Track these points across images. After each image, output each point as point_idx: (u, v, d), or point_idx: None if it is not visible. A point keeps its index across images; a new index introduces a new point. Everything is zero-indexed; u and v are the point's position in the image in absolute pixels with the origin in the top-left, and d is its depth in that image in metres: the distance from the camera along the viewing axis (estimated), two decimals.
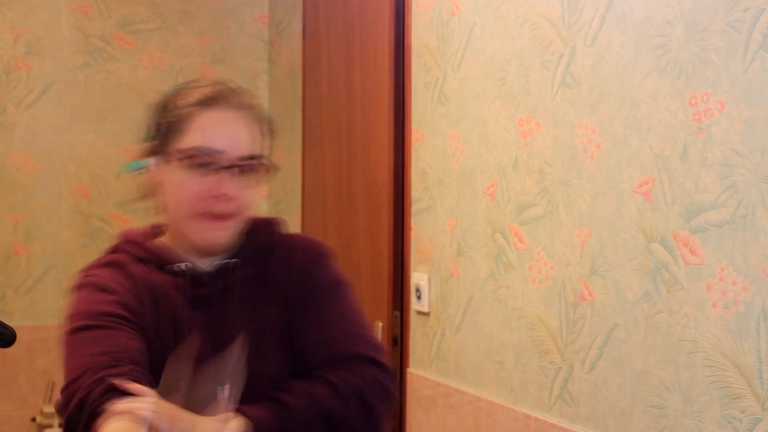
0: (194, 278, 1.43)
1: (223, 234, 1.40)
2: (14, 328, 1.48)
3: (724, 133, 1.53)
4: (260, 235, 1.49)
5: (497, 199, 2.18)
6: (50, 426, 3.36)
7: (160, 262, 1.43)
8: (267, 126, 1.48)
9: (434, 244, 2.46)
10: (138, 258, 1.45)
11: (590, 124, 1.86)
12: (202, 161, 1.37)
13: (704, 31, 1.58)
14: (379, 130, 2.75)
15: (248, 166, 1.40)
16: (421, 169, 2.54)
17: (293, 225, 3.56)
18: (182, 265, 1.43)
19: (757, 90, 1.47)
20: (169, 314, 1.40)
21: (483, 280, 2.22)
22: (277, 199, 3.74)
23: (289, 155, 3.61)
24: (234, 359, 1.23)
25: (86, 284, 1.43)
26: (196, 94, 1.42)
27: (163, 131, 1.43)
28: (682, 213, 1.62)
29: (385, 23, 2.71)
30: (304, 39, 3.47)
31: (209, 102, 1.41)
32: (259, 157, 1.42)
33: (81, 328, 1.37)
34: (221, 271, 1.44)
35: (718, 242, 1.54)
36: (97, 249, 3.62)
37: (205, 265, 1.45)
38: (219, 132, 1.40)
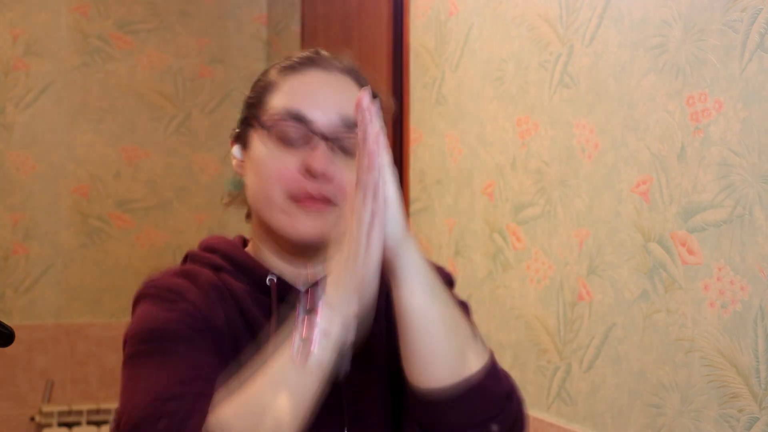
0: (282, 295, 1.14)
1: (317, 224, 1.10)
2: (13, 328, 1.48)
3: (721, 133, 1.54)
4: None
5: (495, 199, 2.18)
6: (49, 425, 3.37)
7: (242, 271, 1.16)
8: (365, 83, 1.18)
9: (432, 244, 2.46)
10: (214, 267, 1.17)
11: (588, 124, 1.87)
12: (289, 130, 1.10)
13: (702, 32, 1.58)
14: None
15: (348, 139, 1.10)
16: (419, 169, 2.54)
17: None
18: (268, 279, 1.14)
19: (754, 90, 1.47)
20: (252, 327, 1.13)
21: (481, 280, 2.23)
22: None
23: None
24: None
25: (146, 296, 1.13)
26: (284, 62, 1.18)
27: (245, 112, 1.18)
28: (679, 213, 1.63)
29: (384, 23, 2.72)
30: (302, 39, 3.48)
31: (297, 65, 1.16)
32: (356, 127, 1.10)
33: (140, 354, 1.08)
34: (315, 291, 1.12)
35: (715, 242, 1.55)
36: (96, 249, 3.67)
37: (298, 278, 1.16)
38: (310, 95, 1.12)
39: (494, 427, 1.11)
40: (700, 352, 1.58)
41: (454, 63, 2.36)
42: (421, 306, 1.01)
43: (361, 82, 1.17)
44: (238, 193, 1.22)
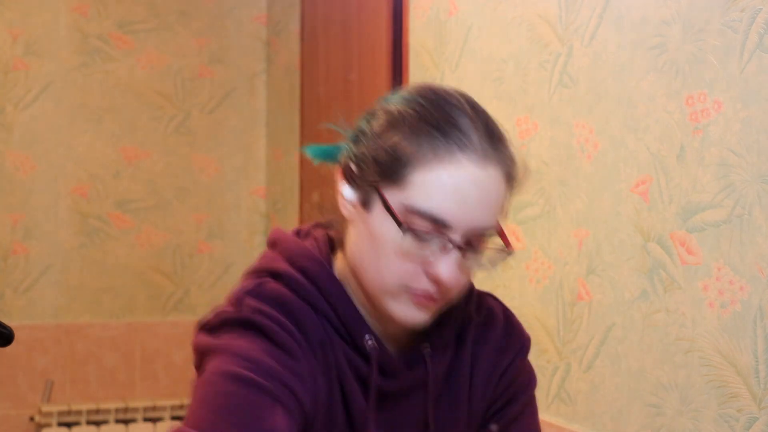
0: (382, 364, 1.05)
1: (427, 317, 1.04)
2: (12, 328, 1.48)
3: (721, 133, 1.54)
4: (456, 315, 1.12)
5: None
6: (48, 425, 3.37)
7: (341, 323, 1.05)
8: (515, 179, 1.06)
9: None
10: (315, 307, 1.05)
11: (587, 124, 1.87)
12: (428, 236, 0.99)
13: (701, 32, 1.58)
14: None
15: (478, 242, 1.02)
16: None
17: (291, 224, 3.57)
18: (369, 342, 1.05)
19: (753, 90, 1.48)
20: (344, 403, 1.05)
21: (480, 280, 2.22)
22: (274, 199, 3.74)
23: (286, 155, 3.61)
24: None
25: (257, 326, 1.01)
26: (426, 122, 1.00)
27: (372, 166, 1.01)
28: (679, 213, 1.63)
29: (383, 23, 2.72)
30: (302, 39, 3.48)
31: (450, 146, 0.98)
32: (494, 230, 1.04)
33: (244, 380, 0.96)
34: (413, 361, 1.08)
35: (715, 242, 1.55)
36: (96, 249, 3.67)
37: (389, 343, 1.08)
38: (459, 201, 0.98)
39: (493, 427, 1.12)
40: (700, 352, 1.58)
41: (454, 63, 2.36)
42: None
43: (512, 174, 1.05)
44: (335, 218, 1.10)
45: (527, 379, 1.19)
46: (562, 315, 1.94)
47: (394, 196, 0.99)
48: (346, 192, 1.04)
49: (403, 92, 1.05)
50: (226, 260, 3.75)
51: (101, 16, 3.66)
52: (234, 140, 3.82)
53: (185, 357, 3.69)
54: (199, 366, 1.01)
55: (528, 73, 2.06)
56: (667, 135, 1.65)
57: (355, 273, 1.05)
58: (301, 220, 3.41)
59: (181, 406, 3.54)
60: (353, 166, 1.03)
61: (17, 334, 1.50)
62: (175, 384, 3.67)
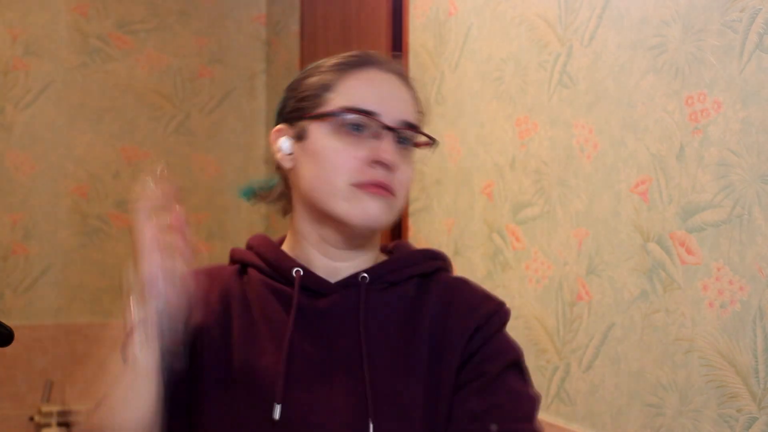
0: (307, 285, 1.18)
1: (383, 209, 1.15)
2: (12, 328, 1.47)
3: (720, 133, 1.54)
4: (411, 261, 1.23)
5: (494, 199, 2.18)
6: (48, 425, 3.37)
7: (270, 266, 1.20)
8: (420, 99, 1.24)
9: (431, 244, 2.46)
10: (245, 263, 1.24)
11: (587, 124, 1.87)
12: (356, 123, 1.15)
13: (701, 32, 1.58)
14: None
15: (407, 134, 1.18)
16: (418, 169, 2.53)
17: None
18: (294, 271, 1.18)
19: (753, 90, 1.48)
20: (264, 322, 1.17)
21: (480, 280, 2.22)
22: None
23: None
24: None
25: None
26: (338, 60, 1.21)
27: (300, 105, 1.19)
28: (678, 213, 1.63)
29: (383, 23, 2.72)
30: (301, 39, 3.48)
31: (357, 62, 1.20)
32: (416, 127, 1.20)
33: None
34: (348, 285, 1.18)
35: (714, 242, 1.55)
36: (96, 248, 3.67)
37: (330, 273, 1.20)
38: (373, 91, 1.17)
39: (493, 427, 1.12)
40: (699, 352, 1.58)
41: (454, 63, 2.36)
42: None
43: (411, 87, 1.22)
44: (268, 192, 1.27)
45: (507, 345, 1.22)
46: (562, 315, 1.94)
47: (319, 110, 1.17)
48: (284, 145, 1.20)
49: (310, 65, 1.26)
50: (226, 260, 3.74)
51: (101, 16, 3.66)
52: (234, 140, 3.82)
53: None
54: None
55: (528, 73, 2.06)
56: (667, 135, 1.65)
57: (310, 206, 1.18)
58: None
59: None
60: (283, 121, 1.21)
61: (17, 334, 1.50)
62: None
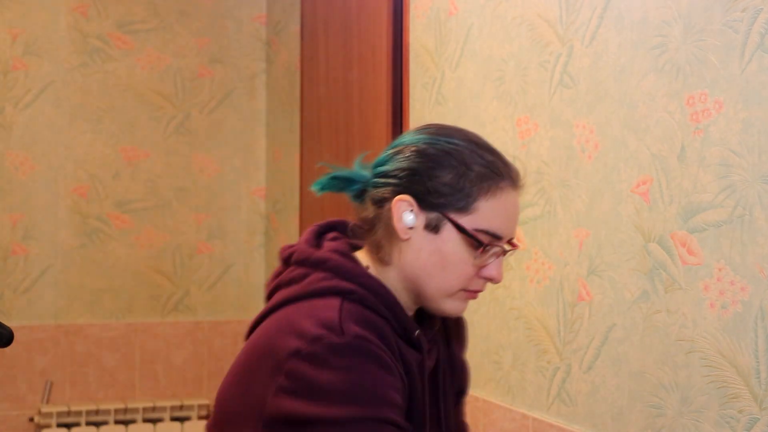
0: (421, 344, 1.30)
1: (465, 307, 1.33)
2: (12, 328, 1.47)
3: (721, 133, 1.53)
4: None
5: None
6: (48, 426, 3.37)
7: (400, 325, 1.26)
8: None
9: None
10: (383, 317, 1.25)
11: (588, 124, 1.87)
12: (487, 243, 1.25)
13: (702, 32, 1.58)
14: (376, 130, 2.75)
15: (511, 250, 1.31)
16: None
17: (291, 225, 3.57)
18: (416, 333, 1.28)
19: (754, 90, 1.47)
20: (419, 396, 1.28)
21: None
22: (275, 200, 3.74)
23: (287, 155, 3.61)
24: None
25: (366, 353, 1.17)
26: (499, 165, 1.28)
27: (437, 197, 1.24)
28: (679, 213, 1.63)
29: (383, 23, 2.71)
30: (302, 39, 3.48)
31: (517, 181, 1.30)
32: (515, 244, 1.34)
33: (356, 420, 1.14)
34: (432, 340, 1.35)
35: (715, 242, 1.55)
36: (96, 249, 3.67)
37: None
38: (508, 216, 1.27)
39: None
40: (700, 353, 1.58)
41: (454, 63, 2.36)
42: None
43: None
44: (381, 234, 1.28)
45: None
46: (563, 315, 1.93)
47: (462, 221, 1.24)
48: (408, 219, 1.25)
49: (424, 133, 1.29)
50: (226, 261, 3.75)
51: (101, 16, 3.66)
52: (234, 140, 3.82)
53: (185, 357, 3.69)
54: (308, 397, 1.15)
55: (528, 73, 2.06)
56: (668, 135, 1.65)
57: (412, 281, 1.27)
58: (301, 221, 3.41)
59: (180, 407, 3.54)
60: (414, 200, 1.24)
61: (17, 335, 1.50)
62: (174, 384, 3.67)
